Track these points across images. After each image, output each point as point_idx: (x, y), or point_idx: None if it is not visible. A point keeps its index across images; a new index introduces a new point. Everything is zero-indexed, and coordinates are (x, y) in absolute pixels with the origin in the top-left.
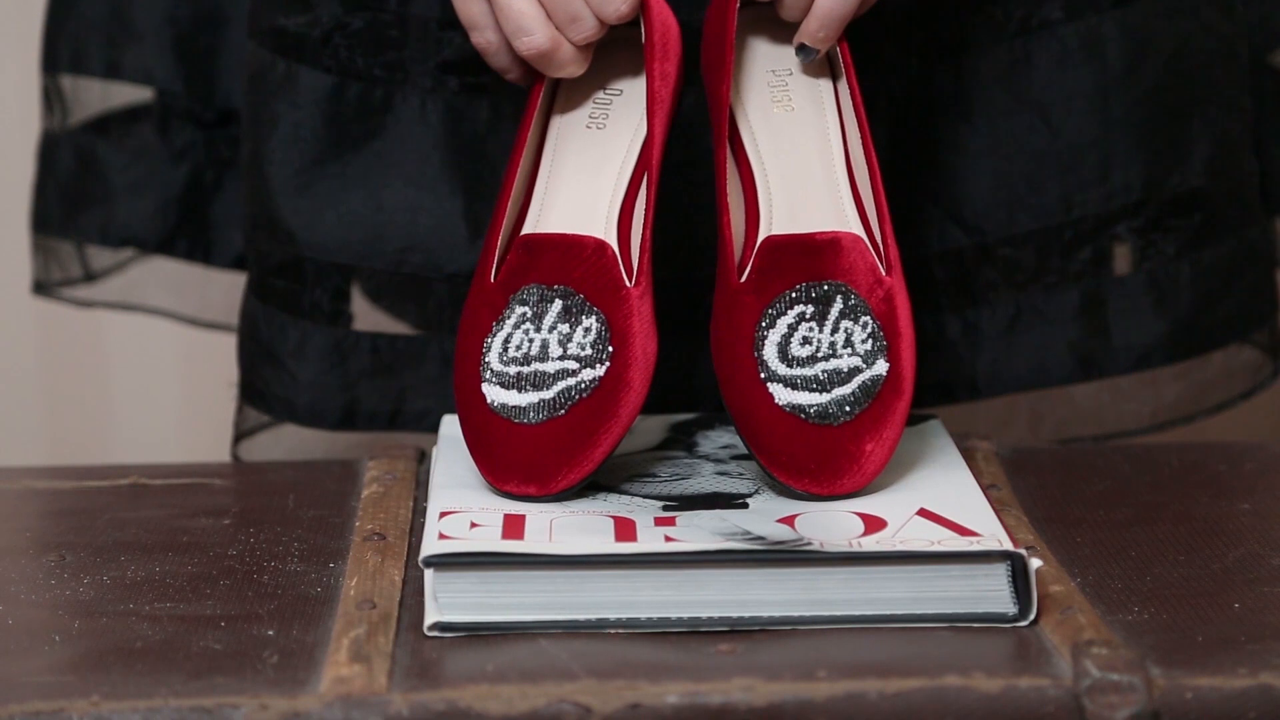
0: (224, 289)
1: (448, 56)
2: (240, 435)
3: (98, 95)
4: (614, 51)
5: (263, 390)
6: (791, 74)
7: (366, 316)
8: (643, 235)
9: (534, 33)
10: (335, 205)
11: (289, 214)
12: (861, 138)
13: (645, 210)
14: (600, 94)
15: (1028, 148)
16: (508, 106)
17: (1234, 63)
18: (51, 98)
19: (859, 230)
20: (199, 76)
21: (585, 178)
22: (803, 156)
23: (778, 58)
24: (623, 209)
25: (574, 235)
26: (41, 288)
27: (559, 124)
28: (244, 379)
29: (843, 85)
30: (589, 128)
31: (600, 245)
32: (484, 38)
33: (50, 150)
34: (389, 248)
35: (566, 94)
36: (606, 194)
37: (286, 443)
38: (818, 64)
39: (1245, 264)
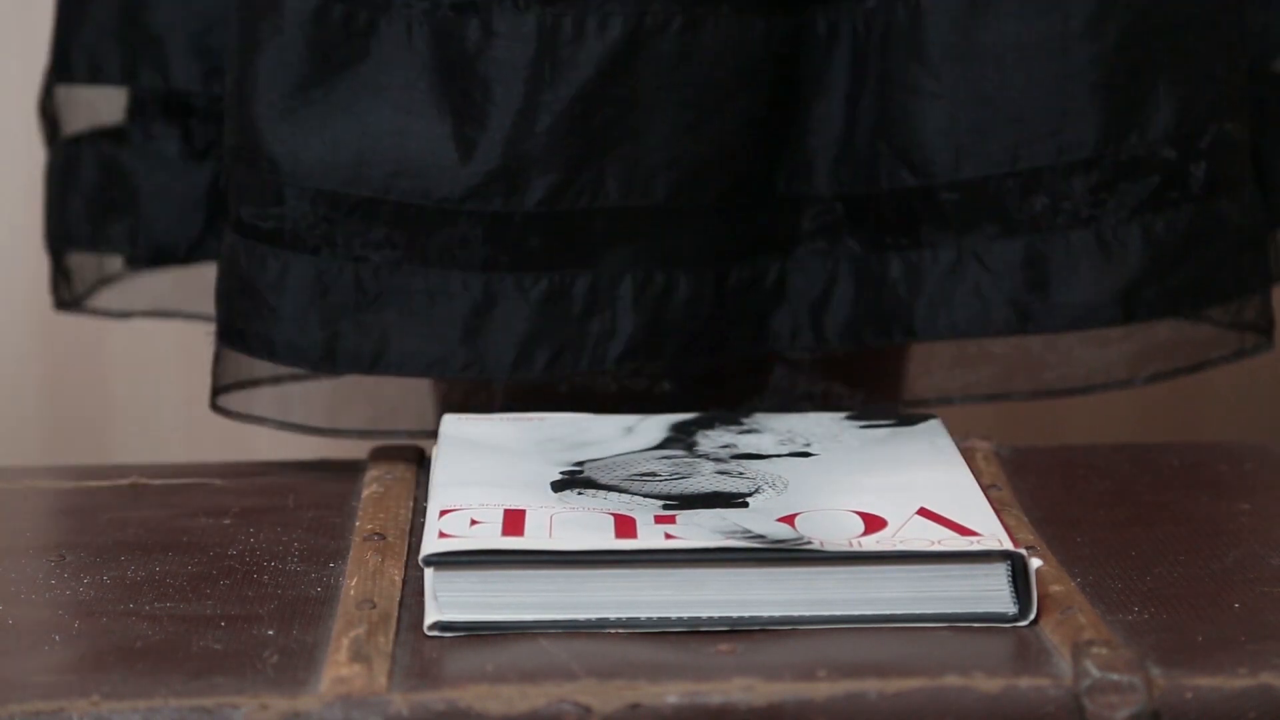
0: None
1: None
2: (218, 389)
3: (108, 104)
4: None
5: (241, 329)
6: None
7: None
8: None
9: None
10: (320, 131)
11: (271, 141)
12: None
13: None
14: None
15: (980, 93)
16: (500, 24)
17: (1213, 30)
18: (69, 106)
19: None
20: (216, 74)
21: None
22: None
23: None
24: None
25: None
26: (66, 305)
27: None
28: (222, 319)
29: None
30: None
31: None
32: None
33: (73, 163)
34: (376, 173)
35: None
36: None
37: (267, 397)
38: None
39: (1208, 235)
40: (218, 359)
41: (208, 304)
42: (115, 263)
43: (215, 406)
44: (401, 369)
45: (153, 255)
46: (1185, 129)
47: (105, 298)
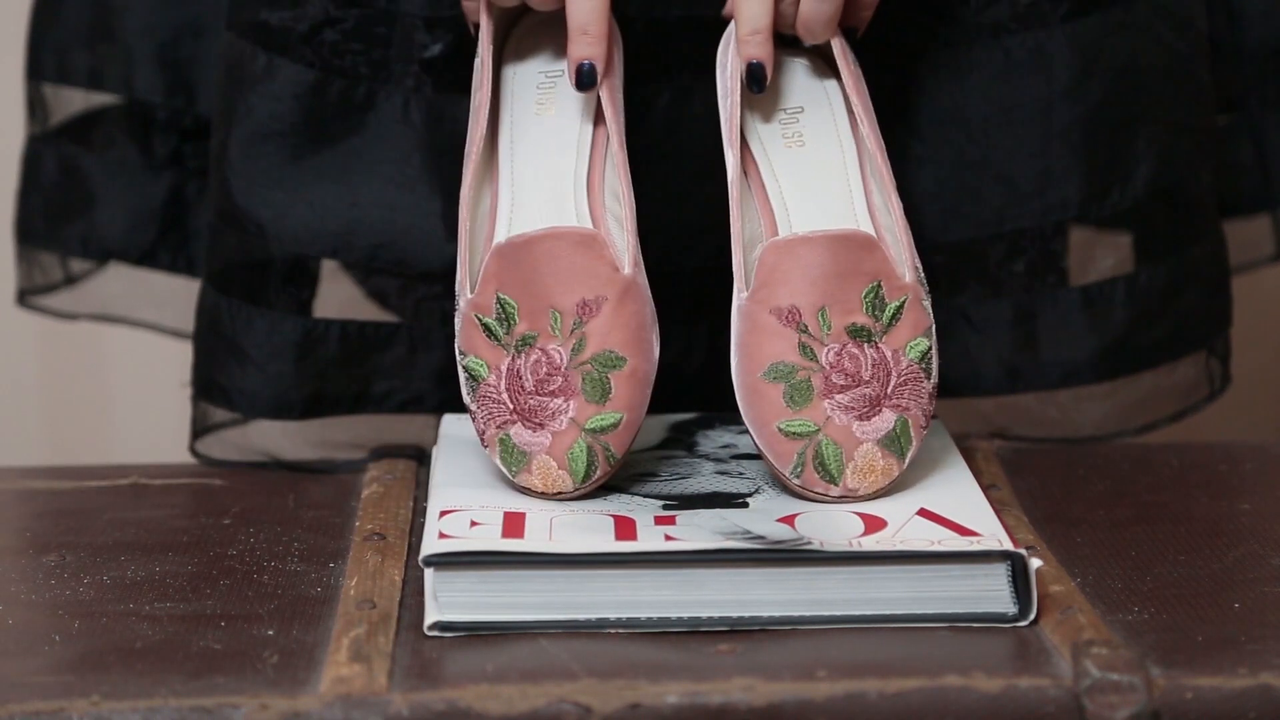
0: None
1: (432, 55)
2: (199, 431)
3: (80, 104)
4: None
5: (225, 385)
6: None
7: (331, 298)
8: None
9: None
10: (309, 199)
11: (259, 207)
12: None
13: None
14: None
15: (966, 157)
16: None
17: (1188, 81)
18: (35, 105)
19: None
20: (180, 87)
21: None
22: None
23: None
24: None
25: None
26: (25, 296)
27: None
28: (201, 376)
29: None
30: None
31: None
32: None
33: (34, 160)
34: (361, 243)
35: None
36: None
37: (250, 436)
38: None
39: (1185, 284)
40: (196, 407)
41: (154, 311)
42: (72, 262)
43: (195, 452)
44: (379, 408)
45: (104, 260)
46: (1164, 181)
47: (54, 297)
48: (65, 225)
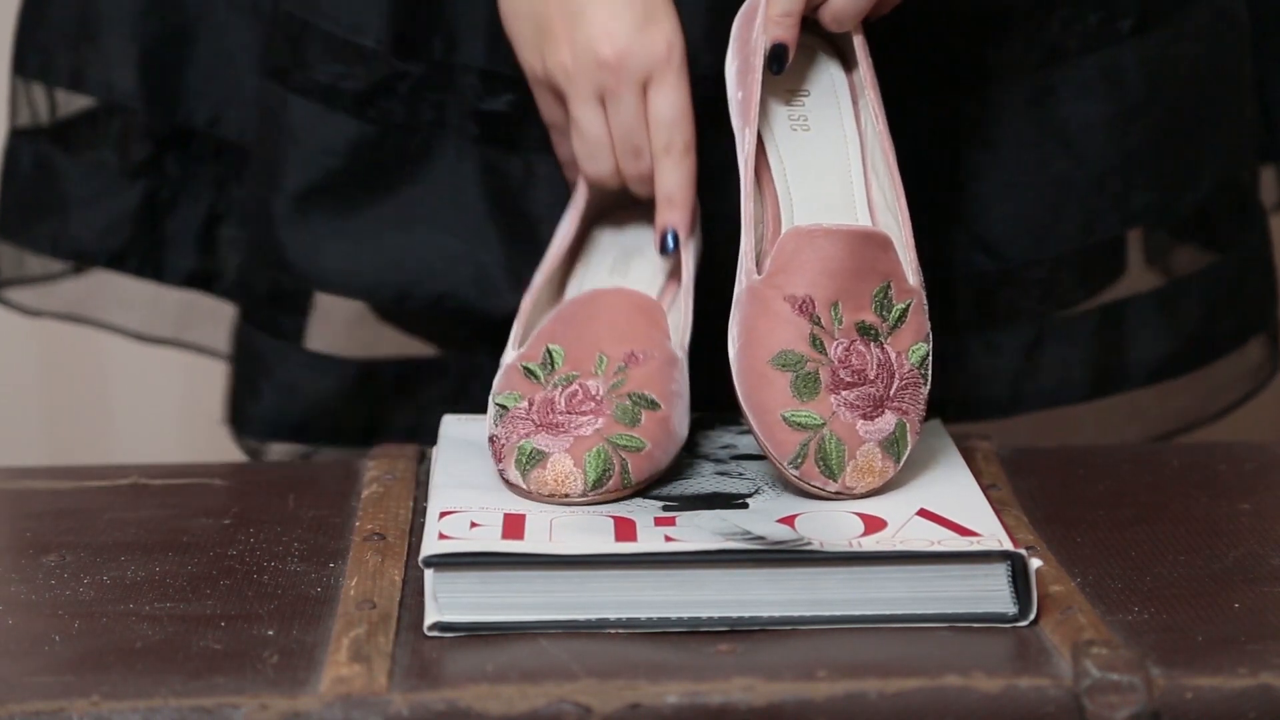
0: (173, 306)
1: (486, 107)
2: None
3: (63, 103)
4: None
5: (272, 423)
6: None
7: (374, 332)
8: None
9: (600, 160)
10: (369, 249)
11: (314, 258)
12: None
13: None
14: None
15: (1050, 176)
16: (542, 167)
17: (1242, 78)
18: (19, 100)
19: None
20: (162, 93)
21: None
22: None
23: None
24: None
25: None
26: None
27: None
28: (241, 410)
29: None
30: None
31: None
32: (563, 141)
33: (12, 155)
34: (423, 293)
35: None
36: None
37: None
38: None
39: (1247, 271)
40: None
41: (120, 314)
42: (43, 260)
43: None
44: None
45: (73, 260)
46: (1226, 178)
47: (20, 292)
48: (37, 223)
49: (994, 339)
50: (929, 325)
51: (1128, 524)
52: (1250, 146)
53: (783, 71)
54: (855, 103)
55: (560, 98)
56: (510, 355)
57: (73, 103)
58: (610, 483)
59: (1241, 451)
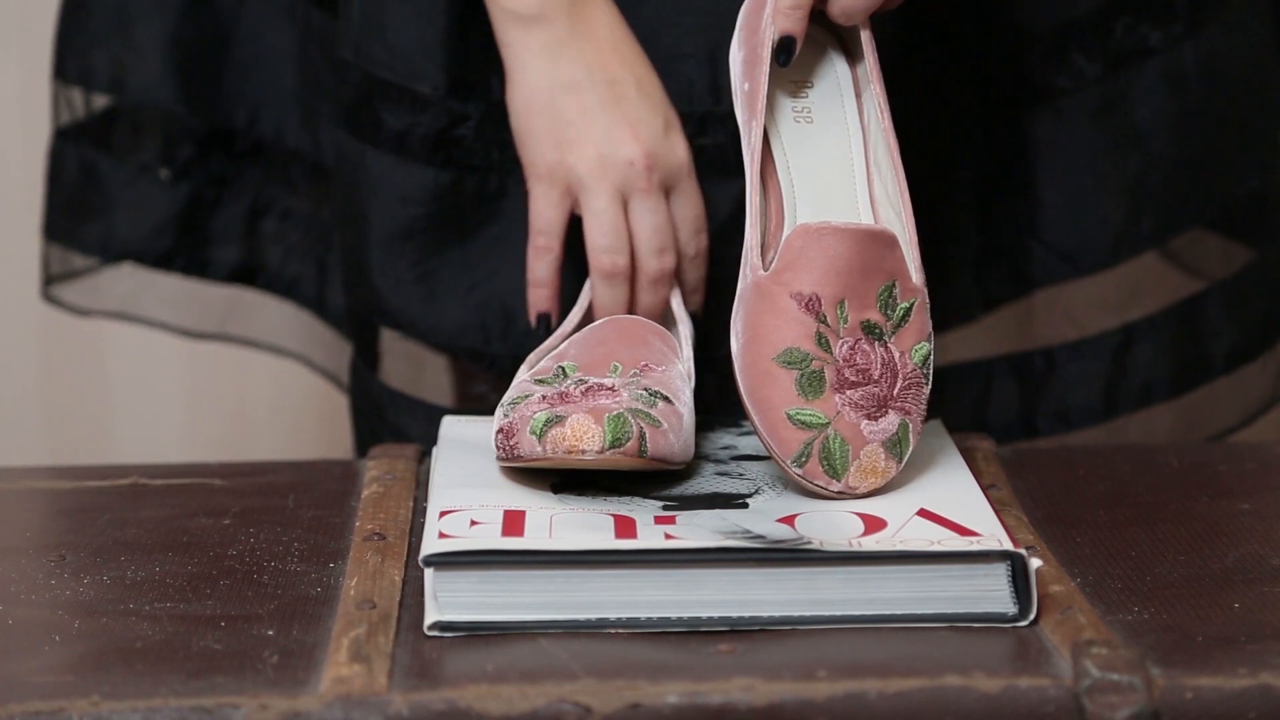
0: (219, 302)
1: None
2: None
3: (102, 107)
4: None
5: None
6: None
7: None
8: None
9: (619, 253)
10: (459, 294)
11: (407, 305)
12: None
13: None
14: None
15: (1127, 181)
16: None
17: (1274, 62)
18: (59, 104)
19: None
20: (201, 96)
21: None
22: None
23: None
24: None
25: None
26: (48, 287)
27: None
28: (362, 438)
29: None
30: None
31: None
32: (543, 256)
33: (57, 159)
34: (514, 330)
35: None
36: None
37: None
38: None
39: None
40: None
41: (167, 311)
42: (86, 259)
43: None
44: None
45: (120, 260)
46: (1269, 164)
47: (70, 290)
48: (84, 225)
49: (1083, 346)
50: (930, 325)
51: (1128, 524)
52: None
53: (790, 63)
54: (859, 96)
55: (566, 197)
56: (522, 375)
57: (116, 106)
58: (629, 445)
59: (1241, 451)
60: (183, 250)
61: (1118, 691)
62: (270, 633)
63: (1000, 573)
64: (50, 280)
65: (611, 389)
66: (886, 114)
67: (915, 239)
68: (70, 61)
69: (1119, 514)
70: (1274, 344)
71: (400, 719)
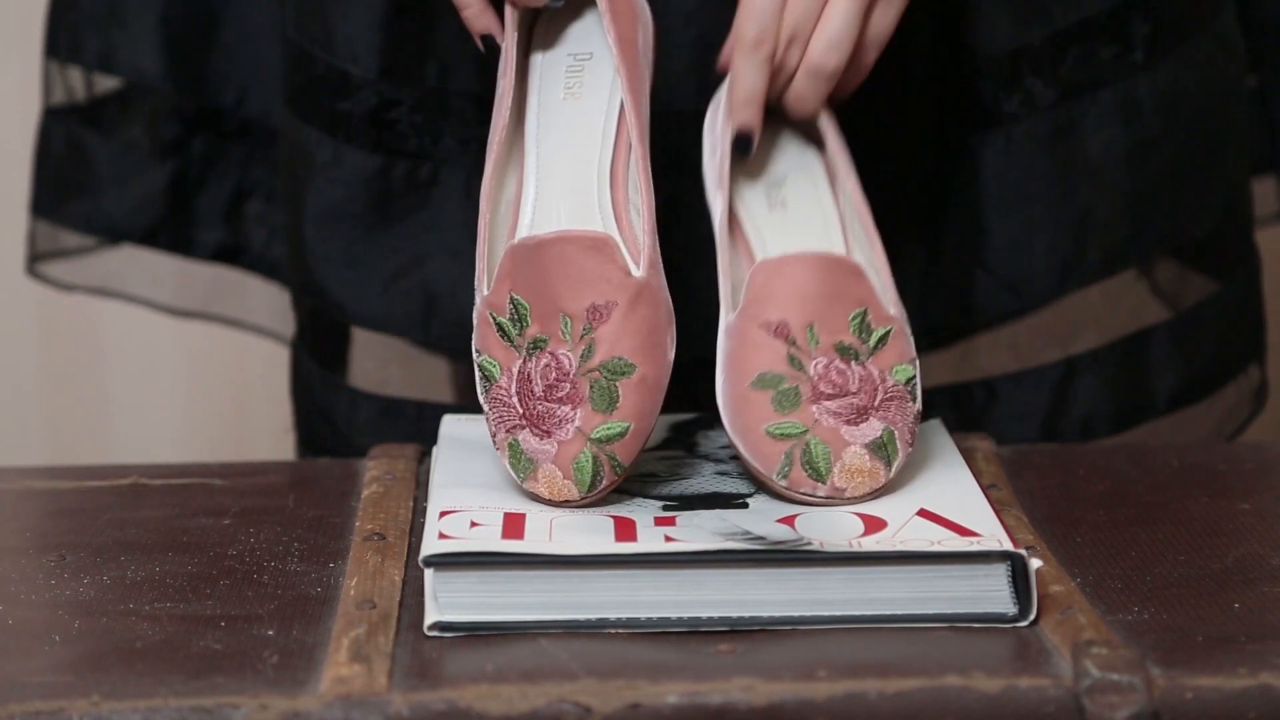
0: (204, 281)
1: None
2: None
3: (93, 85)
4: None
5: (320, 446)
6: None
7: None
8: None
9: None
10: (383, 278)
11: (339, 286)
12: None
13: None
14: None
15: (1072, 213)
16: None
17: (1240, 100)
18: (54, 81)
19: None
20: (188, 75)
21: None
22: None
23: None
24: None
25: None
26: (33, 263)
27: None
28: (301, 432)
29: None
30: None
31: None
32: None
33: (45, 136)
34: (437, 320)
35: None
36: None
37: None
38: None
39: (1248, 296)
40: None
41: (152, 288)
42: (72, 235)
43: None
44: None
45: (106, 237)
46: (1231, 202)
47: (56, 266)
48: (71, 201)
49: (1025, 381)
50: (914, 352)
51: (1128, 524)
52: (1248, 173)
53: (749, 156)
54: (832, 184)
55: None
56: (479, 298)
57: (103, 84)
58: (604, 482)
59: (1241, 451)
60: (167, 228)
61: (1118, 691)
62: (270, 633)
63: (1000, 573)
64: (37, 258)
65: (570, 381)
66: (858, 193)
67: (892, 284)
68: (61, 40)
69: (1119, 514)
70: (1221, 387)
71: (400, 719)
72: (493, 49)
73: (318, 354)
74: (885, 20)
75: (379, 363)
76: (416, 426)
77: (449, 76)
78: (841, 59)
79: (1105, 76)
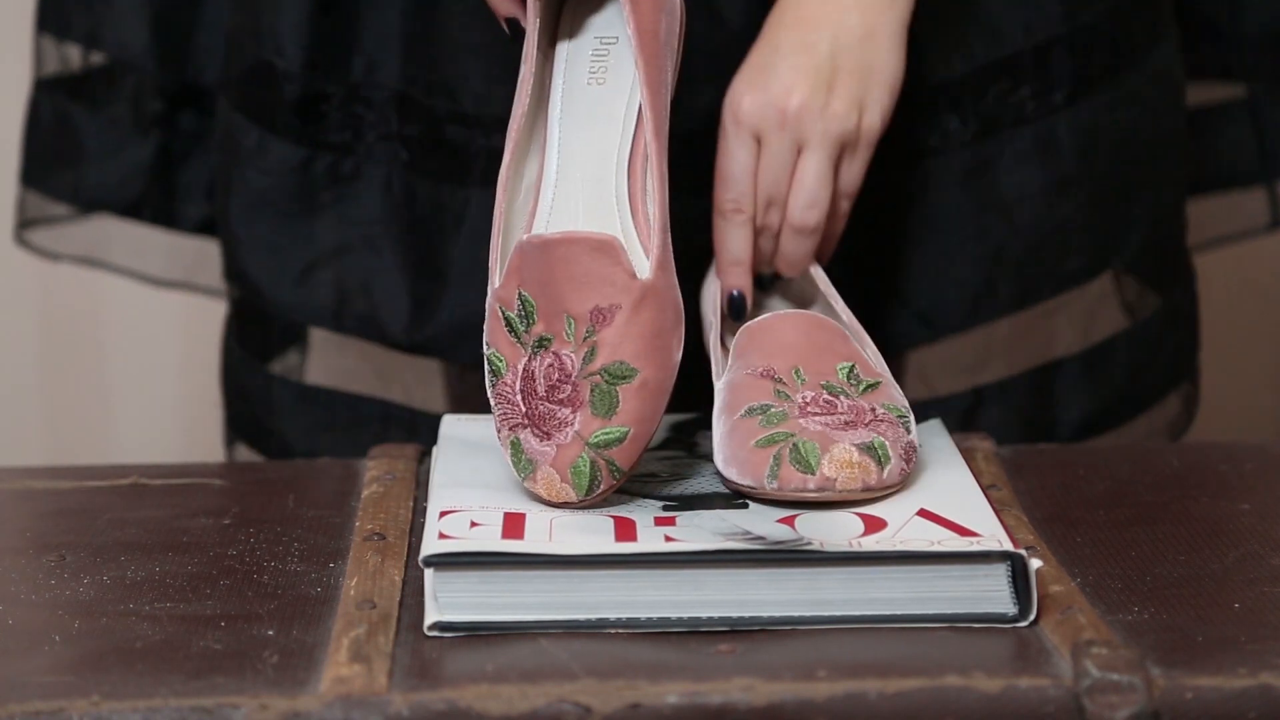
0: (187, 253)
1: (408, 131)
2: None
3: (78, 61)
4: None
5: (243, 429)
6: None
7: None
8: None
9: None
10: (300, 267)
11: (259, 272)
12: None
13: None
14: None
15: (987, 247)
16: (471, 205)
17: (1174, 138)
18: (45, 55)
19: None
20: (172, 52)
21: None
22: None
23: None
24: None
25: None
26: (21, 231)
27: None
28: (228, 411)
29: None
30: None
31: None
32: None
33: (35, 108)
34: (349, 314)
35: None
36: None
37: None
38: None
39: (1170, 327)
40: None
41: (136, 259)
42: (63, 206)
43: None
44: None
45: (91, 208)
46: (1154, 238)
47: (40, 237)
48: (58, 172)
49: (932, 407)
50: (904, 398)
51: (1128, 524)
52: (1182, 203)
53: (743, 319)
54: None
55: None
56: (490, 290)
57: (91, 59)
58: (602, 486)
59: (1241, 451)
60: (152, 201)
61: (1118, 691)
62: (270, 633)
63: (1000, 573)
64: (24, 225)
65: (571, 384)
66: (849, 315)
67: (880, 358)
68: (50, 15)
69: (1119, 514)
70: (1129, 421)
71: (400, 719)
72: (517, 33)
73: (241, 337)
74: (854, 170)
75: (340, 351)
76: (330, 413)
77: (375, 72)
78: (821, 215)
79: (1024, 115)
